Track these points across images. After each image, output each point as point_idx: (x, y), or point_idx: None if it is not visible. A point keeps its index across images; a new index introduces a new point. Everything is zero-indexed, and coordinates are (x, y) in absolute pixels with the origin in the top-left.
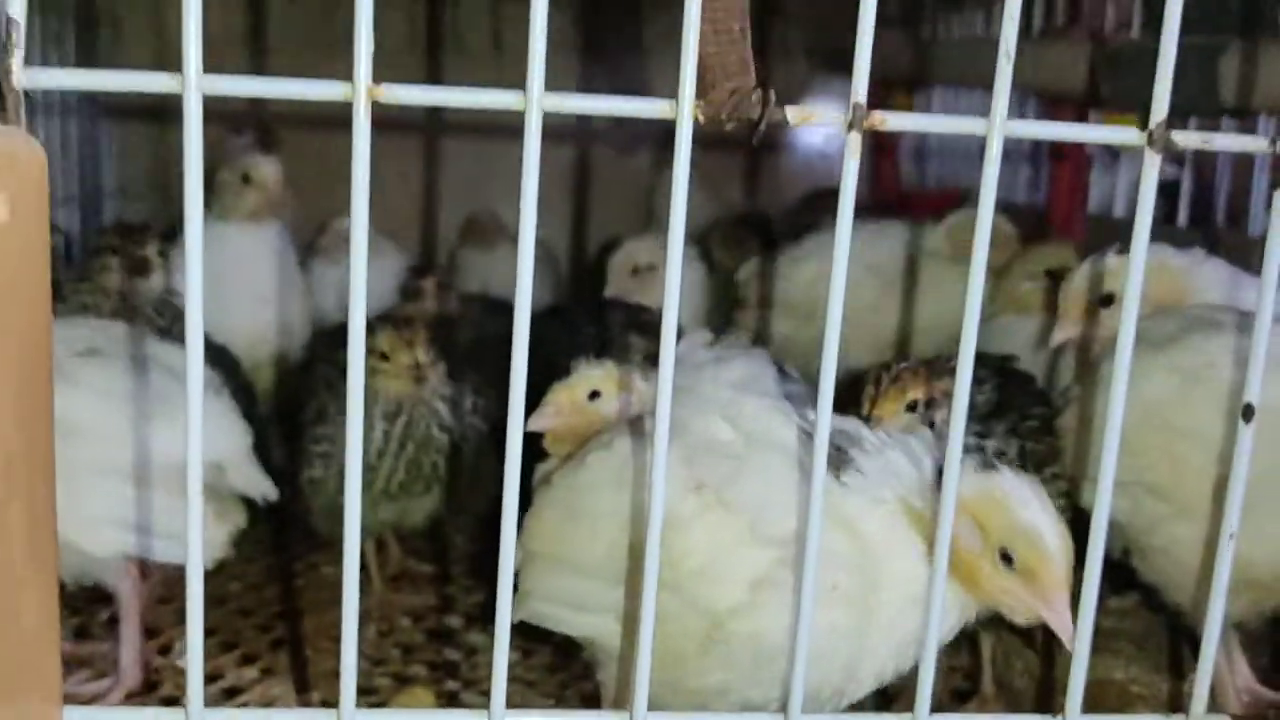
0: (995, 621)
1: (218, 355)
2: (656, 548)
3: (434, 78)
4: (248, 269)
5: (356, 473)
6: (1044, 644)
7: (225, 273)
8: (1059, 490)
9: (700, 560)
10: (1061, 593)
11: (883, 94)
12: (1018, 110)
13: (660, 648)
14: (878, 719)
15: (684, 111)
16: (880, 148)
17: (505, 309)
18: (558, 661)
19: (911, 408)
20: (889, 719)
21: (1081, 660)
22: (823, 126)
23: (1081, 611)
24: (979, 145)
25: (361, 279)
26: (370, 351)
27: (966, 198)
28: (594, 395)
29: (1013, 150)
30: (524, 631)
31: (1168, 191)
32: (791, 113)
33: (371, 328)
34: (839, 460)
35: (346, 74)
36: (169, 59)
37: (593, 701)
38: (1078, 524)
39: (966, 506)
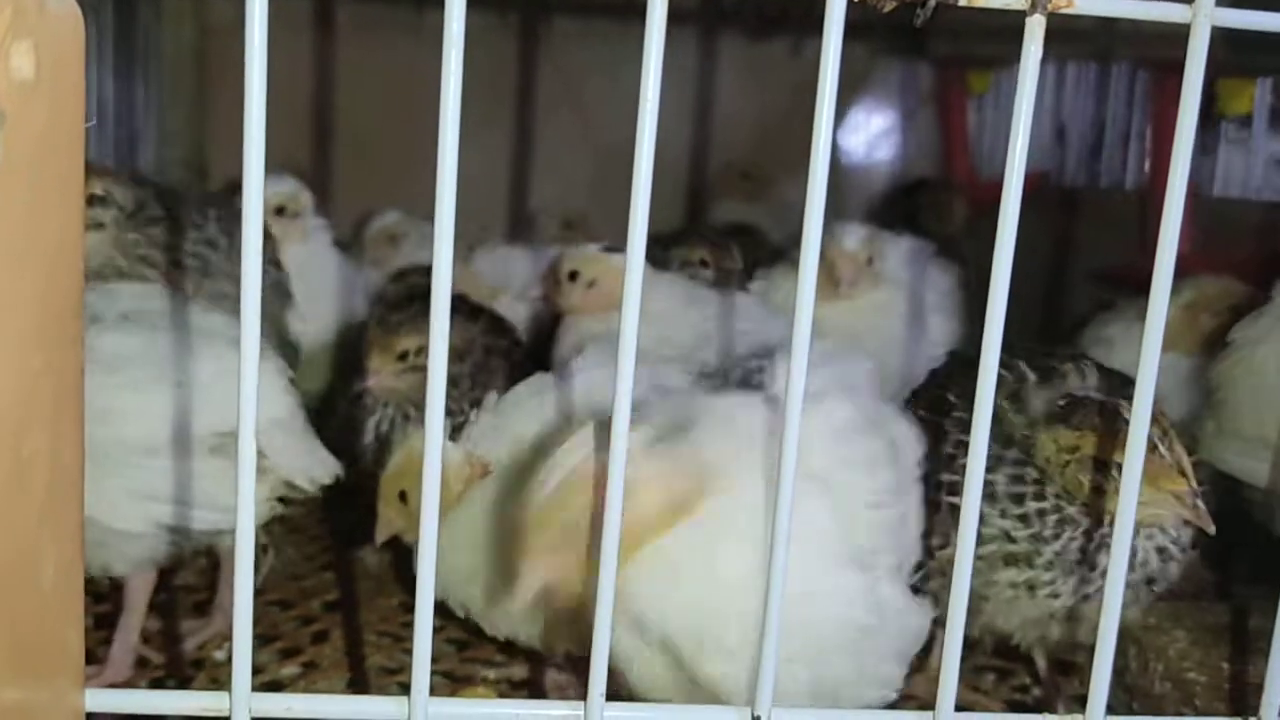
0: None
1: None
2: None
3: None
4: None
5: (436, 455)
6: (1191, 647)
7: None
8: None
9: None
10: None
11: None
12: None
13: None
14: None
15: None
16: (952, 137)
17: None
18: None
19: None
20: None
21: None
22: (1000, 9)
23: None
24: (1055, 128)
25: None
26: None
27: (1047, 180)
28: (403, 497)
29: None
30: None
31: None
32: None
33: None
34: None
35: None
36: None
37: None
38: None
39: None
